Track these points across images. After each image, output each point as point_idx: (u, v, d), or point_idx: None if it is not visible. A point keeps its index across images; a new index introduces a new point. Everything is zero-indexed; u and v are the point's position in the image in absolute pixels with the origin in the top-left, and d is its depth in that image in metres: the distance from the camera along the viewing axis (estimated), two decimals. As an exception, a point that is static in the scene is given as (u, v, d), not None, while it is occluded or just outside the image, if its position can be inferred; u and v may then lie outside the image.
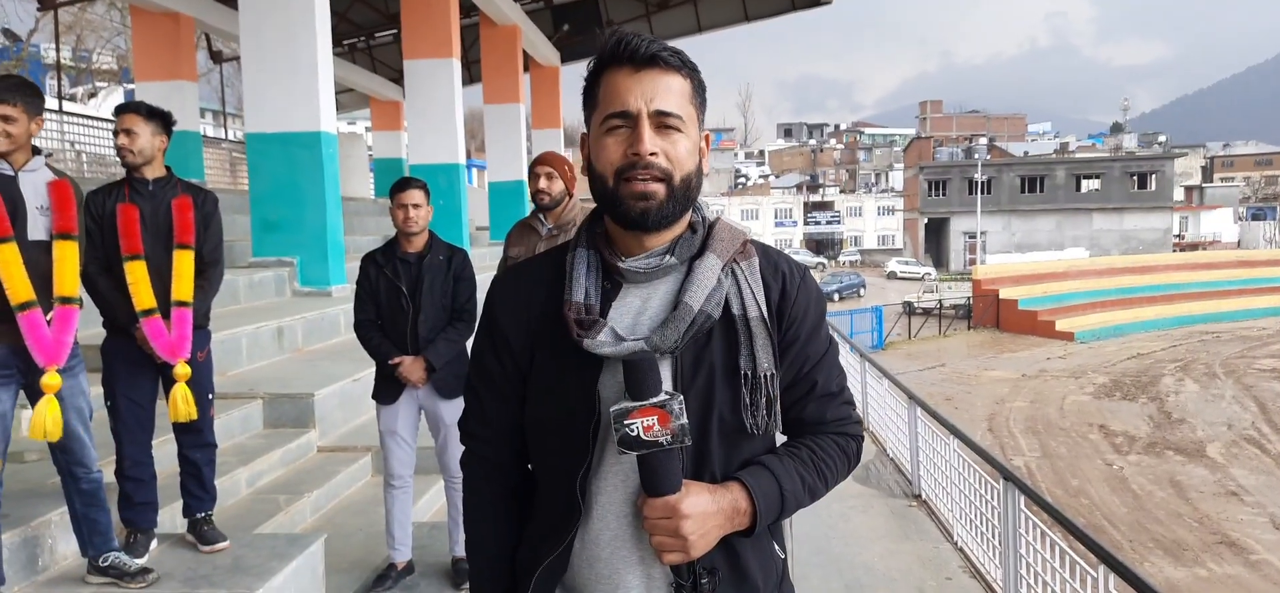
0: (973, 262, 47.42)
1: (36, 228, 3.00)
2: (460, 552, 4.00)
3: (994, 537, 5.72)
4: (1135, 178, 53.13)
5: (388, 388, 3.86)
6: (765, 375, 1.30)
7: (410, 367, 3.77)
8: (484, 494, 1.46)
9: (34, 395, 3.06)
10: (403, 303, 3.79)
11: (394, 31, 18.15)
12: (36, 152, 3.07)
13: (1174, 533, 13.47)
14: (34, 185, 3.01)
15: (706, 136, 1.37)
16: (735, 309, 1.32)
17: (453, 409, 3.84)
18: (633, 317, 1.31)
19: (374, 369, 3.93)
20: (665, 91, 1.27)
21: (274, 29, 7.93)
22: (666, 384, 1.27)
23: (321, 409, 5.55)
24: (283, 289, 8.04)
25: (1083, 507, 14.43)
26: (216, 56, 18.47)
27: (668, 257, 1.32)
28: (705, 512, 1.24)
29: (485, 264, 3.51)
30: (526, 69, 17.18)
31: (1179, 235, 57.45)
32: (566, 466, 1.31)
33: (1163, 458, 17.40)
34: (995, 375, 25.65)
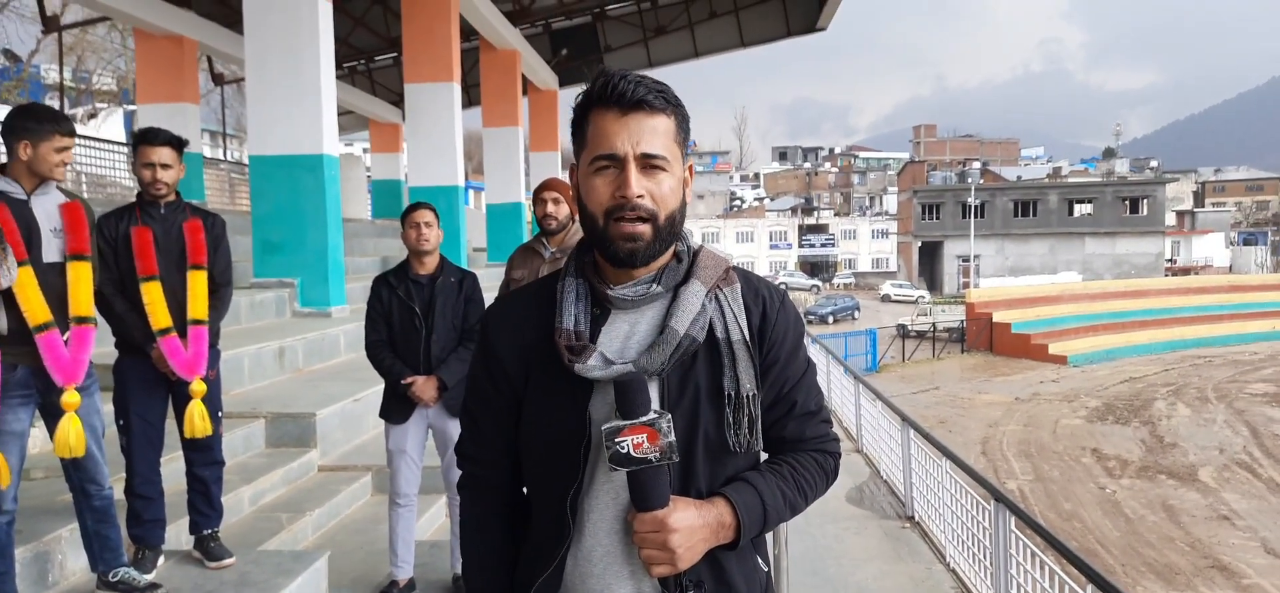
0: (966, 285, 47.65)
1: (51, 250, 3.06)
2: (461, 569, 4.07)
3: (986, 559, 5.78)
4: (1127, 203, 53.51)
5: (398, 407, 3.94)
6: (748, 396, 1.37)
7: (423, 386, 3.85)
8: (481, 516, 1.52)
9: (49, 415, 3.13)
10: (416, 323, 3.88)
11: (394, 55, 18.32)
12: None
13: (1166, 557, 13.53)
14: (45, 209, 3.07)
15: (690, 166, 1.43)
16: (719, 333, 1.38)
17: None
18: (621, 341, 1.38)
19: (379, 388, 4.01)
20: (650, 134, 1.33)
21: (279, 55, 8.05)
22: (654, 405, 1.33)
23: (322, 429, 5.61)
24: (283, 310, 8.11)
25: (1075, 530, 14.48)
26: (218, 79, 18.57)
27: (654, 285, 1.38)
28: (691, 526, 1.30)
29: (485, 285, 3.57)
30: (525, 93, 17.35)
31: (1171, 260, 57.77)
32: (558, 486, 1.37)
33: (1155, 482, 17.47)
34: (989, 399, 25.73)
